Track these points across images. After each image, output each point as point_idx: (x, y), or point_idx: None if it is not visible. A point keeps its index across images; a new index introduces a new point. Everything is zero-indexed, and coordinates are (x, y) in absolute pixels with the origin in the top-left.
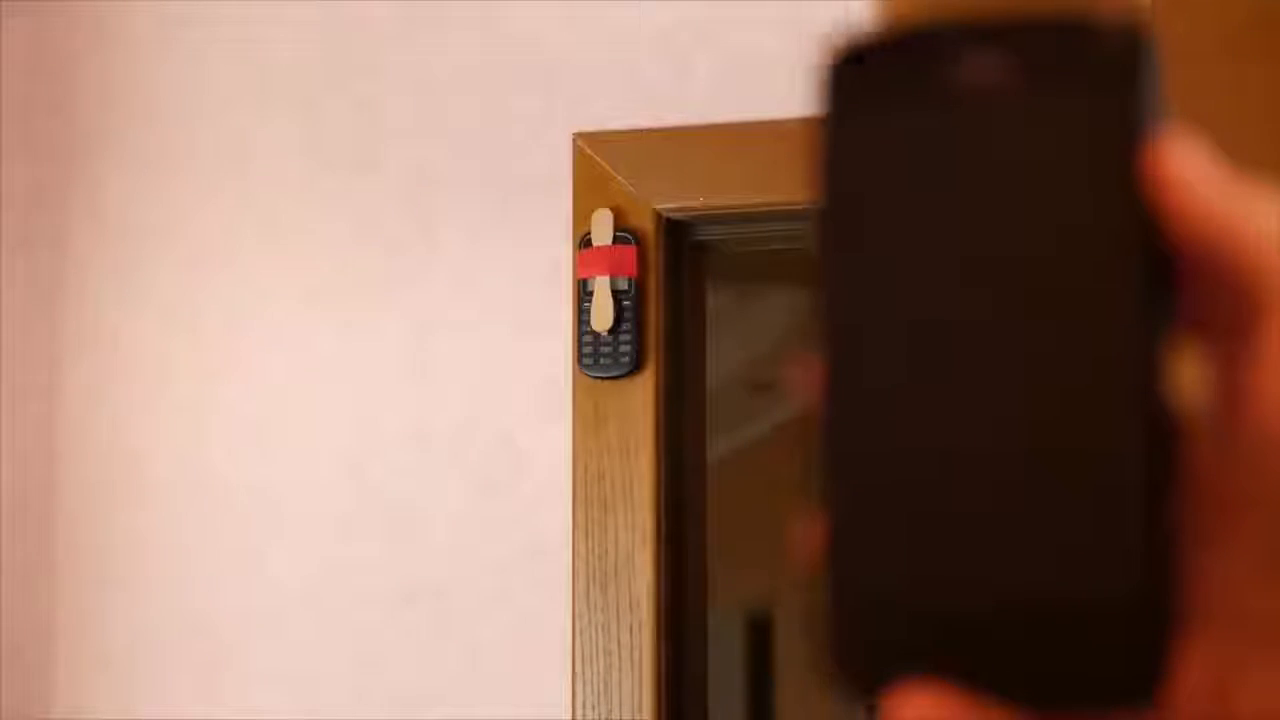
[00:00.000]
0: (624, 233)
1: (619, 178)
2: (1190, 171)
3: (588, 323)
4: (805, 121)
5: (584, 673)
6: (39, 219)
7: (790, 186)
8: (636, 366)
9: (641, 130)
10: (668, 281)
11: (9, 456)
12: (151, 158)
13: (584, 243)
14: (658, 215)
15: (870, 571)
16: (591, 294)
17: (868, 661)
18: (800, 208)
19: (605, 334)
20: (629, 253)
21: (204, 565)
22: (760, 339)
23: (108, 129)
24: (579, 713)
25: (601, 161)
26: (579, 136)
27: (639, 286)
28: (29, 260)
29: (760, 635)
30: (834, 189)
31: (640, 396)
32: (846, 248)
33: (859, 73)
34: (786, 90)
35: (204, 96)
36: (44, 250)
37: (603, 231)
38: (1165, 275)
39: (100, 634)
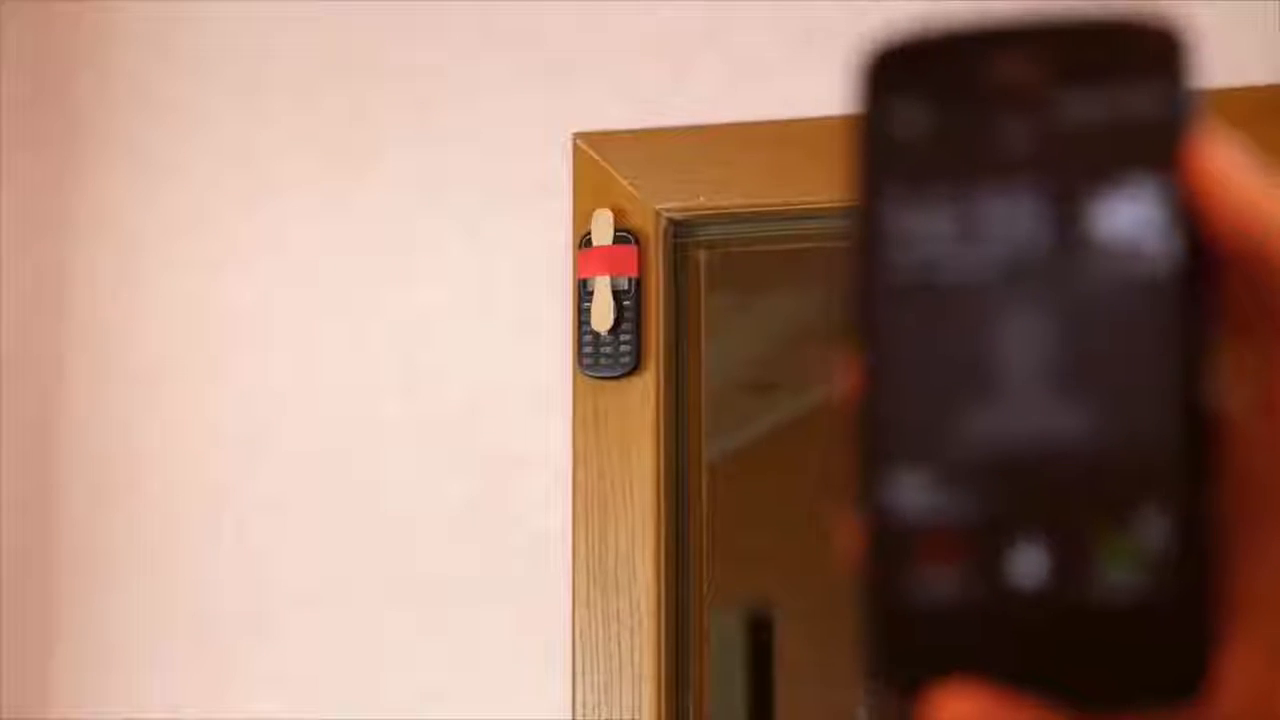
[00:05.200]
0: (624, 233)
1: (619, 178)
2: (1228, 169)
3: (588, 323)
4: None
5: (584, 673)
6: (39, 217)
7: (791, 187)
8: (636, 367)
9: (641, 130)
10: (668, 282)
11: (9, 456)
12: (152, 157)
13: (584, 243)
14: (658, 215)
15: (911, 571)
16: (591, 294)
17: (909, 661)
18: (800, 208)
19: (605, 334)
20: (629, 253)
21: (204, 565)
22: (760, 339)
23: (109, 128)
24: (579, 713)
25: (601, 161)
26: (579, 136)
27: (639, 287)
28: (29, 259)
29: (760, 635)
30: (871, 185)
31: (640, 396)
32: (885, 244)
33: (897, 71)
34: (787, 91)
35: (205, 95)
36: (44, 249)
37: (603, 232)
38: (1205, 274)
39: (100, 634)
